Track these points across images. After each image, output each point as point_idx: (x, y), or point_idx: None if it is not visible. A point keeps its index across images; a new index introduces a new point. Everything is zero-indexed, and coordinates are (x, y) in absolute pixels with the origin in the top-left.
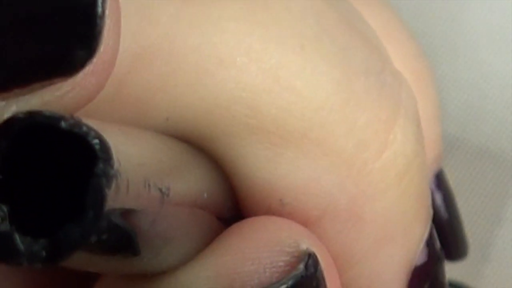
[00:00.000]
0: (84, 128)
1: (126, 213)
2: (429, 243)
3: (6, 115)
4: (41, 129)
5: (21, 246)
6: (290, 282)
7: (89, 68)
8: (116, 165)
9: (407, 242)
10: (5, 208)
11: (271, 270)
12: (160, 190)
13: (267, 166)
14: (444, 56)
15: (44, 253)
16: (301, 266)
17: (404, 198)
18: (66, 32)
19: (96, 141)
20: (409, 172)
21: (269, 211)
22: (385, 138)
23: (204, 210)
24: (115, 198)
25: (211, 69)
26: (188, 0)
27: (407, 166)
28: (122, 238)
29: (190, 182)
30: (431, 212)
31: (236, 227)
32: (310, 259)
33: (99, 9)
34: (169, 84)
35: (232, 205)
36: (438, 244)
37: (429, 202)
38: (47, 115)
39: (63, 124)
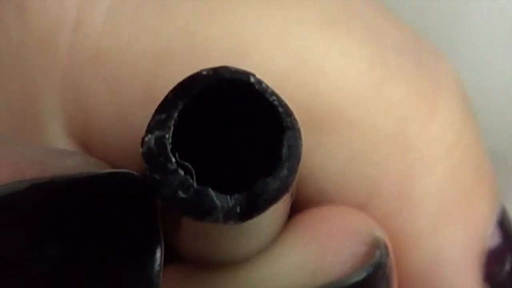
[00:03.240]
0: (264, 85)
1: None
2: (502, 223)
3: None
4: (220, 88)
5: (218, 202)
6: (370, 270)
7: None
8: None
9: (470, 222)
10: (191, 168)
11: (351, 260)
12: None
13: (305, 156)
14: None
15: (239, 209)
16: (378, 253)
17: (457, 172)
18: None
19: (273, 97)
20: (459, 145)
21: (309, 201)
22: (428, 112)
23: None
24: None
25: (234, 59)
26: None
27: (456, 139)
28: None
29: None
30: (497, 190)
31: (309, 216)
32: (384, 246)
33: None
34: None
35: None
36: (511, 222)
37: (491, 179)
38: (233, 71)
39: (252, 79)
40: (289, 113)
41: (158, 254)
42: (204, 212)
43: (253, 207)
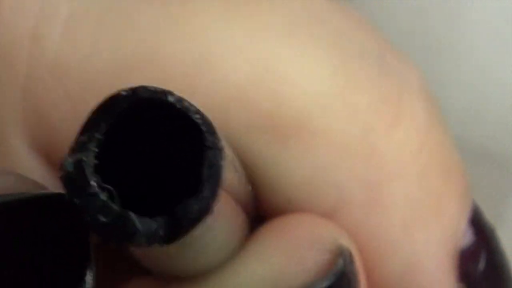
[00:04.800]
0: (186, 103)
1: None
2: (474, 221)
3: None
4: (141, 107)
5: (140, 226)
6: (332, 279)
7: None
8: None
9: (441, 223)
10: (113, 190)
11: (315, 269)
12: (238, 172)
13: (269, 165)
14: (444, 56)
15: (161, 232)
16: (341, 261)
17: (425, 176)
18: None
19: (197, 116)
20: (425, 148)
21: (278, 210)
22: (392, 118)
23: (241, 207)
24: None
25: (196, 70)
26: (166, 4)
27: (423, 141)
28: None
29: (244, 177)
30: (467, 188)
31: (273, 225)
32: (348, 254)
33: None
34: None
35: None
36: (485, 220)
37: (461, 177)
38: (152, 90)
39: (170, 98)
40: (211, 131)
41: (90, 277)
42: (126, 236)
43: (176, 230)
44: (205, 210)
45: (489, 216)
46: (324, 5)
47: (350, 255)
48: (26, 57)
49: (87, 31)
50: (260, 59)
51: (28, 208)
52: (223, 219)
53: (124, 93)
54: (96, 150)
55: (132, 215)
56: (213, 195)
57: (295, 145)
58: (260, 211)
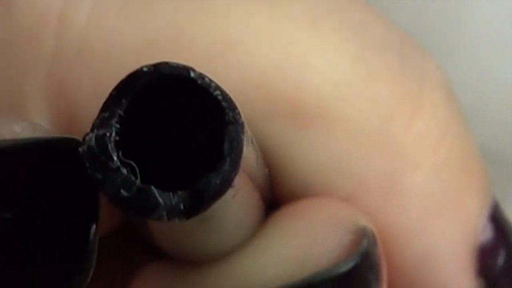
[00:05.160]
0: (207, 79)
1: None
2: (494, 217)
3: None
4: (162, 83)
5: (160, 200)
6: (358, 258)
7: None
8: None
9: (460, 217)
10: (135, 166)
11: (339, 249)
12: (256, 152)
13: (287, 150)
14: (444, 56)
15: (182, 206)
16: (365, 242)
17: (444, 168)
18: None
19: (217, 92)
20: (445, 141)
21: (294, 194)
22: (412, 109)
23: (263, 197)
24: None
25: (219, 54)
26: None
27: (443, 135)
28: None
29: (262, 159)
30: (488, 184)
31: (292, 208)
32: (371, 235)
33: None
34: None
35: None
36: (505, 217)
37: (481, 173)
38: (174, 66)
39: (192, 74)
40: (232, 107)
41: (93, 230)
42: (147, 210)
43: (197, 204)
44: (226, 184)
45: None
46: None
47: (374, 236)
48: (53, 36)
49: (112, 13)
50: (282, 46)
51: (42, 150)
52: (241, 196)
53: (145, 69)
54: (118, 126)
55: (154, 189)
56: (234, 169)
57: (314, 132)
58: (275, 198)
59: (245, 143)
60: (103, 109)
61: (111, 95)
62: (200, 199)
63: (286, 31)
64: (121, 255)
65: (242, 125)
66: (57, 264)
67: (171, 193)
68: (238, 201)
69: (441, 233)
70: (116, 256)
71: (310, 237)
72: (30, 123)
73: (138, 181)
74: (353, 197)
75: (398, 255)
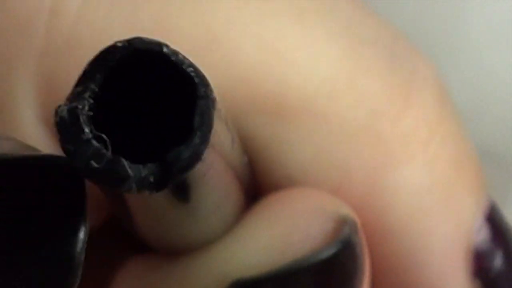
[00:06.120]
0: (180, 56)
1: None
2: (491, 219)
3: None
4: (136, 58)
5: (130, 171)
6: (339, 245)
7: None
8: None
9: (452, 215)
10: (106, 138)
11: (320, 237)
12: (232, 134)
13: (272, 145)
14: (444, 56)
15: (152, 178)
16: (347, 229)
17: (434, 166)
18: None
19: (191, 68)
20: (435, 137)
21: (278, 187)
22: (401, 106)
23: (241, 185)
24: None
25: (204, 47)
26: None
27: (432, 131)
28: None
29: (240, 147)
30: (483, 185)
31: (275, 197)
32: (353, 224)
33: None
34: None
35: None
36: (503, 218)
37: (476, 173)
38: (147, 41)
39: (165, 49)
40: (205, 83)
41: (82, 234)
42: (117, 182)
43: (166, 176)
44: (195, 157)
45: None
46: None
47: (355, 224)
48: (43, 29)
49: (101, 6)
50: (269, 41)
51: (25, 167)
52: (214, 175)
53: (120, 44)
54: (91, 100)
55: (124, 161)
56: (204, 142)
57: (299, 126)
58: (261, 190)
59: (216, 118)
60: (77, 83)
61: (85, 70)
62: (170, 171)
63: (273, 26)
64: (106, 252)
65: (213, 100)
66: (42, 277)
67: (141, 166)
68: (212, 181)
69: (432, 230)
70: (100, 253)
71: (291, 224)
72: (18, 141)
73: (108, 153)
74: (338, 191)
75: (383, 250)
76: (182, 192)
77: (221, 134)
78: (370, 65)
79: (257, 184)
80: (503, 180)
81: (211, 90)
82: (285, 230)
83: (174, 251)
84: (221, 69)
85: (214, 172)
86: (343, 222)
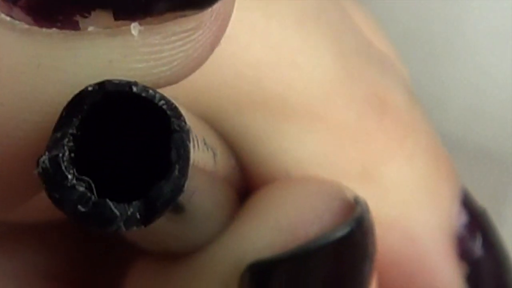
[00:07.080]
0: (151, 91)
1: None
2: (466, 202)
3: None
4: (109, 100)
5: (116, 211)
6: (353, 223)
7: (216, 9)
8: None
9: (435, 204)
10: (89, 180)
11: (328, 215)
12: (212, 150)
13: (272, 141)
14: (444, 56)
15: (138, 215)
16: (359, 208)
17: (415, 159)
18: None
19: (162, 102)
20: (410, 135)
21: (276, 180)
22: (380, 107)
23: (231, 187)
24: (193, 153)
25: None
26: None
27: (406, 129)
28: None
29: (224, 153)
30: (455, 172)
31: (277, 184)
32: (364, 203)
33: None
34: None
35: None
36: (476, 202)
37: (448, 162)
38: (117, 83)
39: (134, 88)
40: (177, 115)
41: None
42: (105, 223)
43: (151, 212)
44: (177, 191)
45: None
46: (331, 3)
47: (366, 204)
48: None
49: None
50: (273, 42)
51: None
52: (201, 194)
53: (90, 88)
54: (71, 144)
55: (109, 202)
56: (183, 175)
57: (298, 125)
58: (257, 185)
59: (192, 148)
60: (55, 129)
61: (61, 115)
62: (154, 207)
63: (278, 30)
64: (115, 254)
65: (187, 132)
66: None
67: (126, 204)
68: (202, 194)
69: (420, 218)
70: (109, 256)
71: (298, 205)
72: None
73: (94, 196)
74: None
75: (378, 240)
76: (175, 211)
77: (200, 159)
78: (356, 72)
79: (250, 175)
80: (503, 180)
81: (184, 122)
82: (293, 211)
83: (178, 255)
84: (228, 68)
85: (202, 189)
86: (353, 202)
